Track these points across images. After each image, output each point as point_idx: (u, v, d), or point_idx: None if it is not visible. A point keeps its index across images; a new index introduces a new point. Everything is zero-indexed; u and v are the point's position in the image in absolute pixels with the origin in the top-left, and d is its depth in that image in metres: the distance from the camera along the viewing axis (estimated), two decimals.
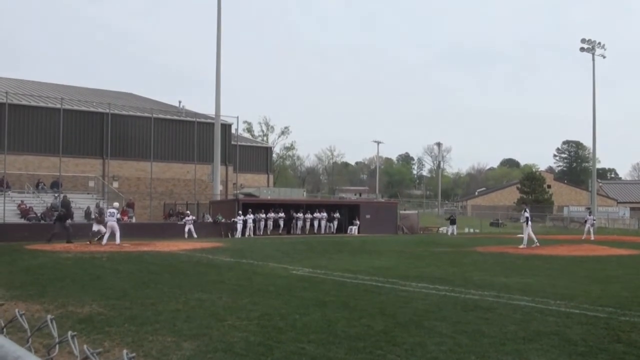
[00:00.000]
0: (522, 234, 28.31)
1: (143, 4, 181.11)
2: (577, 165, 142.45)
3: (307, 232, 44.11)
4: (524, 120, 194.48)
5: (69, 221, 30.58)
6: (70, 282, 13.79)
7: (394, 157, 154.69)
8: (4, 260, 19.87)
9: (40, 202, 38.30)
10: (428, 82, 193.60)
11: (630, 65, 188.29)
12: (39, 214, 36.48)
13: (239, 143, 52.48)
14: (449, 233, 46.47)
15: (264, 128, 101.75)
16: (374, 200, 64.72)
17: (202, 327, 8.49)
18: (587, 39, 64.76)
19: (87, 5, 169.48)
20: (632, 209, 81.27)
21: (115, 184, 45.43)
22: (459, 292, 12.35)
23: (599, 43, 64.84)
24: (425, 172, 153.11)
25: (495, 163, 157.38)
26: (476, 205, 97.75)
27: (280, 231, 43.57)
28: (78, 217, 37.84)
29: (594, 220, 41.19)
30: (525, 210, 29.32)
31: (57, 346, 2.03)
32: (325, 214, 45.81)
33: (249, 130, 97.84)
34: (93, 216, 32.98)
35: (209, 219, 42.13)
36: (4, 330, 2.14)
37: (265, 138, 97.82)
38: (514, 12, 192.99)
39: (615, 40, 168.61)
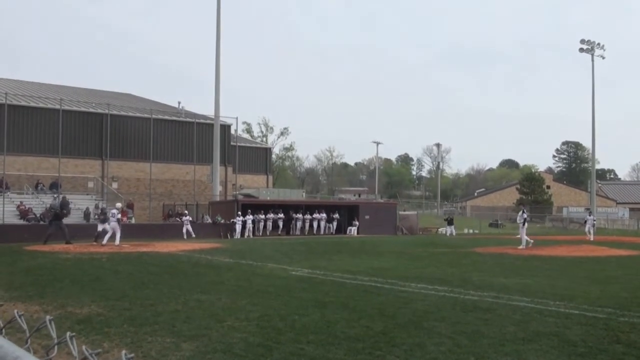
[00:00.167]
0: (521, 234, 28.26)
1: (143, 4, 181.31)
2: (576, 166, 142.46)
3: (306, 233, 44.10)
4: (523, 121, 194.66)
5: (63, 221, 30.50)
6: (70, 283, 13.78)
7: (393, 158, 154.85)
8: (3, 261, 19.86)
9: (39, 203, 38.26)
10: (427, 82, 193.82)
11: (629, 66, 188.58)
12: (38, 215, 36.45)
13: (238, 144, 52.51)
14: (447, 234, 46.99)
15: (263, 129, 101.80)
16: (373, 201, 64.71)
17: (202, 327, 8.49)
18: (586, 40, 64.83)
19: (87, 5, 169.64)
20: (631, 209, 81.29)
21: (115, 185, 45.43)
22: (458, 292, 12.35)
23: (598, 44, 64.91)
24: (424, 173, 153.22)
25: (494, 164, 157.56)
26: (475, 206, 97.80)
27: (279, 232, 43.56)
28: (77, 217, 37.85)
29: (594, 220, 41.20)
30: (523, 212, 29.30)
31: (56, 347, 2.03)
32: (324, 215, 45.81)
33: (249, 131, 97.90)
34: (96, 217, 32.95)
35: (208, 219, 42.12)
36: (3, 330, 2.14)
37: (264, 139, 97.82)
38: (514, 12, 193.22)
39: (615, 41, 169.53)
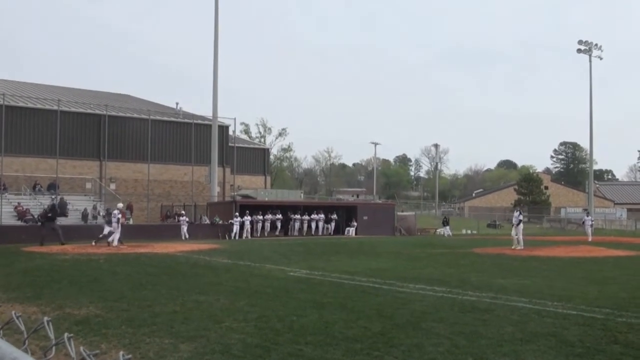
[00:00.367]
0: (517, 234, 28.20)
1: (142, 5, 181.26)
2: (574, 167, 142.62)
3: (304, 234, 44.09)
4: (521, 121, 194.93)
5: (57, 222, 30.45)
6: (68, 284, 13.77)
7: (391, 159, 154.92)
8: (0, 262, 19.83)
9: (37, 204, 38.20)
10: (425, 83, 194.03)
11: (627, 66, 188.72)
12: (35, 216, 36.40)
13: (236, 145, 52.47)
14: (445, 234, 47.32)
15: (261, 129, 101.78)
16: (372, 202, 64.76)
17: (200, 329, 8.49)
18: (584, 41, 64.90)
19: (87, 5, 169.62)
20: (629, 210, 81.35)
21: (113, 186, 45.38)
22: (456, 293, 12.36)
23: (596, 44, 64.98)
24: (422, 174, 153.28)
25: (492, 164, 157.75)
26: (473, 206, 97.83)
27: (277, 233, 43.57)
28: (75, 219, 37.82)
29: (592, 221, 41.25)
30: (520, 213, 29.28)
31: (54, 348, 2.03)
32: (322, 216, 45.81)
33: (247, 131, 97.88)
34: (104, 218, 32.93)
35: (207, 220, 42.10)
36: (1, 332, 2.14)
37: (262, 139, 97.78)
38: (513, 13, 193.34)
39: (613, 41, 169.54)
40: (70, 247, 26.60)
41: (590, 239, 36.99)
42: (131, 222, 39.84)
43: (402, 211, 62.92)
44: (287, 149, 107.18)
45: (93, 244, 27.73)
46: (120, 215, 28.46)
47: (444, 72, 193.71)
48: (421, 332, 8.29)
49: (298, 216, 44.70)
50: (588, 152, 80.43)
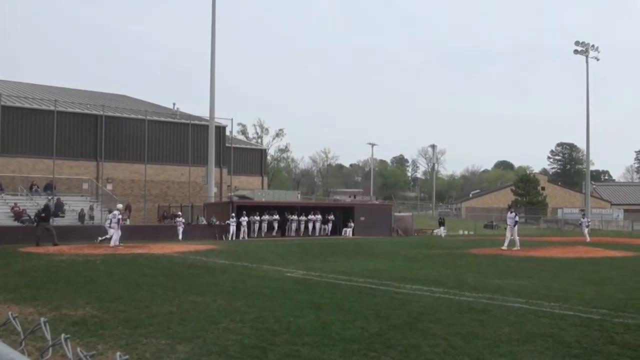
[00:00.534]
0: (513, 235, 28.20)
1: (140, 6, 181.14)
2: (571, 167, 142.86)
3: (301, 235, 44.09)
4: (518, 122, 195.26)
5: (51, 223, 30.40)
6: (64, 285, 13.75)
7: (388, 160, 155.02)
8: None
9: (34, 205, 38.09)
10: (423, 83, 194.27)
11: (624, 67, 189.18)
12: (32, 217, 36.33)
13: (233, 145, 52.43)
14: (442, 235, 47.61)
15: (259, 130, 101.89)
16: (369, 203, 64.78)
17: (196, 329, 8.48)
18: (580, 42, 65.00)
19: (85, 5, 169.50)
20: (625, 210, 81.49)
21: (109, 186, 45.30)
22: (453, 294, 12.37)
23: (593, 45, 65.07)
24: (419, 174, 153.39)
25: (489, 165, 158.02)
26: (470, 207, 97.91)
27: (274, 233, 43.56)
28: (72, 219, 37.77)
29: (588, 222, 41.34)
30: (516, 214, 29.29)
31: (50, 349, 2.03)
32: (319, 216, 45.82)
33: (244, 132, 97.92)
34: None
35: (204, 221, 42.06)
36: None
37: (259, 140, 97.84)
38: (510, 13, 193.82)
39: (611, 42, 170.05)
40: (66, 247, 26.52)
41: (588, 239, 37.07)
42: (128, 222, 39.79)
43: (399, 212, 62.93)
44: (284, 150, 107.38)
45: (97, 241, 27.77)
46: (120, 216, 28.53)
47: (442, 73, 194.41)
48: (418, 333, 8.29)
49: (295, 217, 44.70)
50: (585, 152, 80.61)
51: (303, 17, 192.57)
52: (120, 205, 30.42)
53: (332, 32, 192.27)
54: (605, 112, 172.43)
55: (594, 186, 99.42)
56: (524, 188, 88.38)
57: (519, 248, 27.21)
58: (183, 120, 50.25)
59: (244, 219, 40.60)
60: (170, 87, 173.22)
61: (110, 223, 28.49)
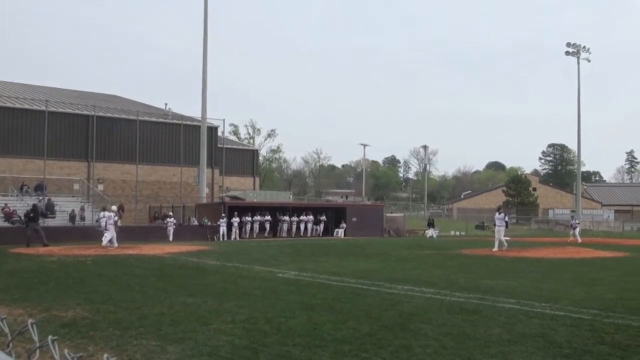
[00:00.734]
0: (499, 236, 28.18)
1: (132, 5, 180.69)
2: (562, 168, 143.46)
3: (293, 235, 44.06)
4: (509, 123, 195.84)
5: (40, 223, 30.24)
6: (55, 286, 13.68)
7: (380, 160, 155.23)
8: None
9: (24, 205, 37.95)
10: (415, 84, 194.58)
11: (624, 67, 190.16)
12: (22, 217, 36.16)
13: (225, 146, 52.35)
14: (428, 236, 47.86)
15: (251, 131, 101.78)
16: (361, 203, 64.81)
17: (187, 331, 8.46)
18: (572, 43, 65.31)
19: (76, 5, 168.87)
20: (616, 211, 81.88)
21: (101, 187, 45.15)
22: (444, 294, 12.39)
23: (584, 47, 65.37)
24: (411, 175, 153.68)
25: (481, 166, 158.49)
26: (462, 208, 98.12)
27: (266, 234, 43.51)
28: (63, 220, 37.62)
29: (577, 223, 41.47)
30: (505, 215, 29.29)
31: (38, 351, 2.01)
32: (311, 217, 45.81)
33: (236, 133, 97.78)
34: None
35: (195, 222, 41.96)
36: None
37: (251, 141, 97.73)
38: (500, 14, 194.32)
39: (602, 43, 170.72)
40: (57, 248, 26.44)
41: (579, 240, 37.22)
42: (119, 223, 39.66)
43: (391, 212, 63.04)
44: (276, 150, 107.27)
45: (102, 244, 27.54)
46: (116, 218, 28.52)
47: (432, 74, 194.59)
48: (409, 333, 8.30)
49: (287, 217, 44.67)
50: (576, 153, 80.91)
51: (297, 17, 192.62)
52: (114, 207, 30.34)
53: (325, 33, 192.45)
54: (597, 113, 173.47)
55: (585, 187, 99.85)
56: (516, 189, 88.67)
57: (504, 249, 27.17)
58: (175, 121, 50.14)
59: (236, 220, 40.54)
60: (162, 87, 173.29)
61: (106, 225, 28.41)
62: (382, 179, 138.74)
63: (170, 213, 40.85)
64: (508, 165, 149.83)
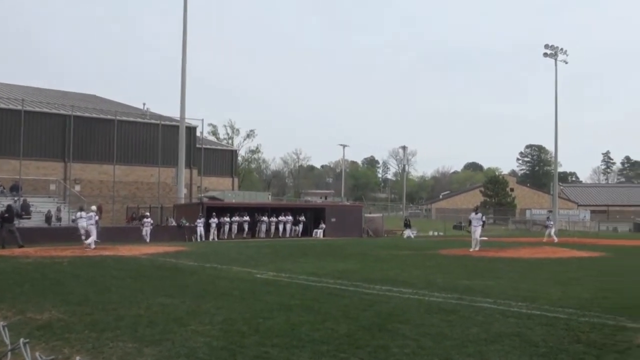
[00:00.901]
0: (480, 236, 28.38)
1: (113, 4, 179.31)
2: (539, 169, 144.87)
3: (272, 236, 44.00)
4: (487, 124, 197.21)
5: (15, 224, 29.87)
6: (30, 288, 13.51)
7: (359, 161, 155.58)
8: None
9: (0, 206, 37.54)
10: (393, 85, 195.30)
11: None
12: None
13: (203, 146, 52.17)
14: (405, 236, 48.04)
15: (229, 131, 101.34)
16: (340, 204, 64.88)
17: (165, 332, 8.39)
18: (550, 45, 65.95)
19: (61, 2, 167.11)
20: (592, 211, 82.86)
21: (77, 187, 44.76)
22: (422, 294, 12.43)
23: (561, 49, 66.09)
24: (390, 176, 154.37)
25: (459, 167, 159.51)
26: (440, 208, 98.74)
27: (244, 235, 43.40)
28: (38, 221, 37.23)
29: (551, 223, 41.90)
30: (482, 215, 29.47)
31: (9, 354, 1.99)
32: (290, 218, 45.81)
33: (214, 133, 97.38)
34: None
35: (173, 222, 41.74)
36: None
37: (230, 141, 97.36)
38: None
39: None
40: (32, 249, 26.14)
41: (556, 240, 37.62)
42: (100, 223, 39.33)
43: (370, 213, 63.21)
44: (255, 151, 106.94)
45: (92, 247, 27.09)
46: (97, 218, 28.32)
47: (412, 74, 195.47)
48: (387, 334, 8.31)
49: (266, 218, 44.61)
50: (553, 154, 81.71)
51: (276, 17, 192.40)
52: (94, 207, 30.11)
53: (304, 32, 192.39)
54: (573, 114, 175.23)
55: (562, 187, 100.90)
56: (493, 189, 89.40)
57: (477, 249, 27.35)
58: (153, 121, 49.87)
59: (214, 220, 40.39)
60: (140, 87, 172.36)
61: (86, 225, 28.19)
62: (361, 179, 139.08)
63: (147, 213, 40.58)
64: (486, 166, 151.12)
